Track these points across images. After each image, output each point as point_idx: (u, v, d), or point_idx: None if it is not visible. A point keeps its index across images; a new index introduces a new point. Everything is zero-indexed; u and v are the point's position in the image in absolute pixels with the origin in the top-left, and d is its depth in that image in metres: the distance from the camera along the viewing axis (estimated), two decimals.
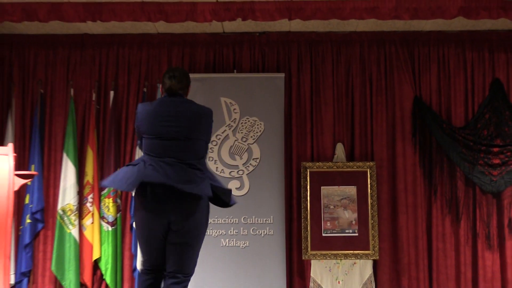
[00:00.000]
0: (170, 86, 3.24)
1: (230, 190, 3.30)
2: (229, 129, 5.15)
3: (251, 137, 5.41)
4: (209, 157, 5.11)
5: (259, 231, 5.31)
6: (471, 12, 4.76)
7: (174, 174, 3.03)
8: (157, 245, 3.08)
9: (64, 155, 5.30)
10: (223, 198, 3.16)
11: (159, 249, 3.09)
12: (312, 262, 5.20)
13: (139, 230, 3.18)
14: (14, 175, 4.00)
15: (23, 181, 4.14)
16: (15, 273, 5.23)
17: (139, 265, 4.77)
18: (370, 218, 5.25)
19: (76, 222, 5.29)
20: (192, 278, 3.18)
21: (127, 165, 3.20)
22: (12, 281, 5.17)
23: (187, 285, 3.11)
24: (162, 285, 3.15)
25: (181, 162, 3.11)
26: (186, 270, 3.03)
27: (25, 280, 5.27)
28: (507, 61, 5.51)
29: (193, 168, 3.12)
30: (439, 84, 5.57)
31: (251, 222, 5.29)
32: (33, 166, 5.35)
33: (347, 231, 5.29)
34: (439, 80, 5.57)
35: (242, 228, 5.26)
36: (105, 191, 5.33)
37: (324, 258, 5.18)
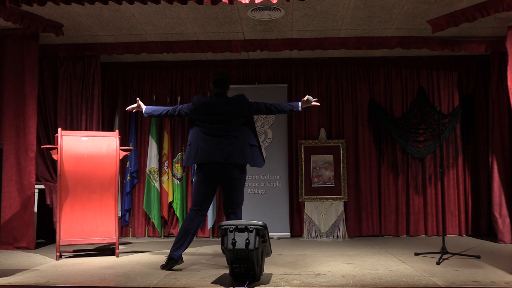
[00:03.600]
0: (215, 91, 3.75)
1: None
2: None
3: (267, 124, 6.31)
4: None
5: (272, 184, 6.21)
6: (405, 44, 5.67)
7: (218, 149, 3.46)
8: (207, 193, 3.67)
9: (150, 137, 6.31)
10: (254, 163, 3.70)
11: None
12: (306, 203, 6.09)
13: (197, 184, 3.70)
14: (119, 149, 4.71)
15: (124, 153, 4.89)
16: (121, 210, 6.20)
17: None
18: (342, 175, 6.13)
19: (158, 178, 6.25)
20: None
21: (188, 144, 3.67)
22: (119, 214, 6.05)
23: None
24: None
25: (223, 137, 3.52)
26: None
27: (127, 214, 6.34)
28: (427, 76, 6.44)
29: (233, 139, 3.49)
30: (385, 90, 6.47)
31: (266, 178, 6.20)
32: (131, 144, 6.30)
33: (327, 183, 6.15)
34: (385, 87, 6.47)
35: (261, 181, 6.17)
36: (175, 159, 6.25)
37: (313, 200, 6.08)
